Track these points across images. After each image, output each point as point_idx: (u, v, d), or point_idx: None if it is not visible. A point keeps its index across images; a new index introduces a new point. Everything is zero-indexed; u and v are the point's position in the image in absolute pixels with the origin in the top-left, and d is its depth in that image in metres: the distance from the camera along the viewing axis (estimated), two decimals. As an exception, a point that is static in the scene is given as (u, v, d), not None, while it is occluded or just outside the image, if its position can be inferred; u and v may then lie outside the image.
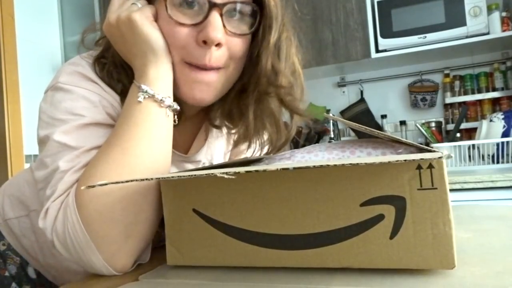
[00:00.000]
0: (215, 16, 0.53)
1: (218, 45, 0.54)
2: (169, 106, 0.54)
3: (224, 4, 0.54)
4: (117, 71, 0.58)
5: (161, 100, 0.53)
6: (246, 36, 0.57)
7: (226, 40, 0.55)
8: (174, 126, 0.57)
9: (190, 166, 0.70)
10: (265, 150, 0.69)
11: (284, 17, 0.60)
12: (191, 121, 0.70)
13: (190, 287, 0.40)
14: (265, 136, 0.67)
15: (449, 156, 0.35)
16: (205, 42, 0.53)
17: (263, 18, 0.57)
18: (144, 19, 0.54)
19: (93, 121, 0.54)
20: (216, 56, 0.54)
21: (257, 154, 0.70)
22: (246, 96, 0.62)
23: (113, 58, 0.59)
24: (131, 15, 0.54)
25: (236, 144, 0.69)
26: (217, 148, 0.76)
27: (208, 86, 0.57)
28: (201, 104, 0.59)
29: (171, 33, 0.55)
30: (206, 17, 0.53)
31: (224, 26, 0.54)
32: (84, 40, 0.64)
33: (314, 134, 2.54)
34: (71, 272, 0.65)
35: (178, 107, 0.56)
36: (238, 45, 0.57)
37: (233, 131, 0.69)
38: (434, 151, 0.37)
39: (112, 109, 0.57)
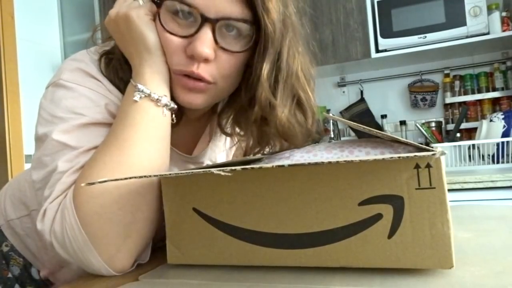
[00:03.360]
0: (205, 31, 0.52)
1: (206, 60, 0.53)
2: (166, 105, 0.54)
3: (217, 20, 0.52)
4: (122, 68, 0.58)
5: (157, 99, 0.53)
6: (239, 54, 0.55)
7: (217, 55, 0.54)
8: (178, 126, 0.57)
9: (193, 167, 0.70)
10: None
11: (285, 36, 0.57)
12: (196, 123, 0.70)
13: (190, 287, 0.40)
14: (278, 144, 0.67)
15: (443, 153, 0.35)
16: (193, 56, 0.53)
17: (260, 38, 0.55)
18: (141, 17, 0.54)
19: (94, 120, 0.53)
20: (204, 68, 0.54)
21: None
22: (251, 114, 0.61)
23: (119, 55, 0.58)
24: (129, 12, 0.54)
25: (247, 153, 0.68)
26: (220, 150, 0.76)
27: (197, 93, 0.56)
28: (193, 108, 0.58)
29: (163, 40, 0.54)
30: (197, 31, 0.52)
31: (216, 41, 0.53)
32: (94, 36, 0.63)
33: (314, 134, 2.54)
34: (75, 271, 0.65)
35: (175, 106, 0.56)
36: (229, 62, 0.55)
37: (243, 139, 0.69)
38: (432, 150, 0.37)
39: (115, 107, 0.56)
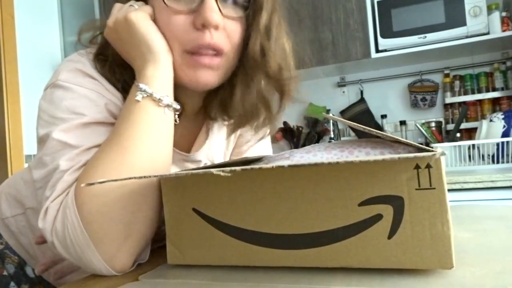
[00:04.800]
0: (210, 0, 0.54)
1: (216, 28, 0.55)
2: (168, 105, 0.54)
3: None
4: (118, 68, 0.58)
5: (159, 99, 0.53)
6: (241, 19, 0.58)
7: (223, 24, 0.56)
8: (175, 125, 0.57)
9: (191, 165, 0.70)
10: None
11: (275, 9, 0.60)
12: (193, 120, 0.70)
13: (190, 287, 0.40)
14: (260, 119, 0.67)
15: (443, 153, 0.35)
16: (203, 25, 0.54)
17: (253, 2, 0.58)
18: (140, 19, 0.55)
19: (94, 120, 0.54)
20: (217, 37, 0.55)
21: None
22: (234, 77, 0.62)
23: (114, 57, 0.59)
24: (127, 15, 0.55)
25: (232, 130, 0.69)
26: (217, 148, 0.76)
27: (212, 70, 0.57)
28: (206, 87, 0.59)
29: (169, 23, 0.55)
30: (201, 1, 0.54)
31: (220, 10, 0.55)
32: (81, 39, 0.64)
33: (314, 134, 2.54)
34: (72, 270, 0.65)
35: (178, 106, 0.56)
36: (235, 28, 0.57)
37: (227, 121, 0.69)
38: (432, 151, 0.37)
39: (114, 107, 0.57)
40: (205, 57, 0.56)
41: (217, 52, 0.56)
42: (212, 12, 0.53)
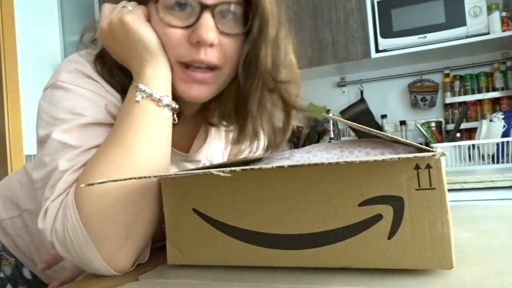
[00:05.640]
0: (207, 17, 0.53)
1: (211, 45, 0.54)
2: (167, 105, 0.54)
3: (216, 5, 0.54)
4: (117, 71, 0.58)
5: (159, 99, 0.53)
6: (238, 36, 0.58)
7: (219, 40, 0.55)
8: (174, 125, 0.57)
9: (190, 165, 0.70)
10: (262, 149, 0.69)
11: (280, 13, 0.60)
12: (191, 121, 0.70)
13: (190, 287, 0.40)
14: (262, 137, 0.67)
15: (443, 154, 0.35)
16: (198, 42, 0.54)
17: (256, 16, 0.57)
18: (136, 20, 0.55)
19: (94, 120, 0.54)
20: (211, 53, 0.55)
21: (256, 154, 0.70)
22: (247, 96, 0.62)
23: (113, 60, 0.59)
24: (123, 17, 0.54)
25: (235, 143, 0.69)
26: (216, 148, 0.76)
27: (204, 85, 0.57)
28: (197, 101, 0.59)
29: (164, 35, 0.55)
30: (198, 18, 0.53)
31: (216, 26, 0.54)
32: (82, 39, 0.64)
33: (314, 134, 2.54)
34: (69, 271, 0.65)
35: (177, 106, 0.56)
36: (232, 44, 0.57)
37: (230, 128, 0.70)
38: (432, 151, 0.37)
39: (114, 107, 0.57)
40: (198, 72, 0.56)
41: (211, 67, 0.56)
42: (208, 30, 0.53)
